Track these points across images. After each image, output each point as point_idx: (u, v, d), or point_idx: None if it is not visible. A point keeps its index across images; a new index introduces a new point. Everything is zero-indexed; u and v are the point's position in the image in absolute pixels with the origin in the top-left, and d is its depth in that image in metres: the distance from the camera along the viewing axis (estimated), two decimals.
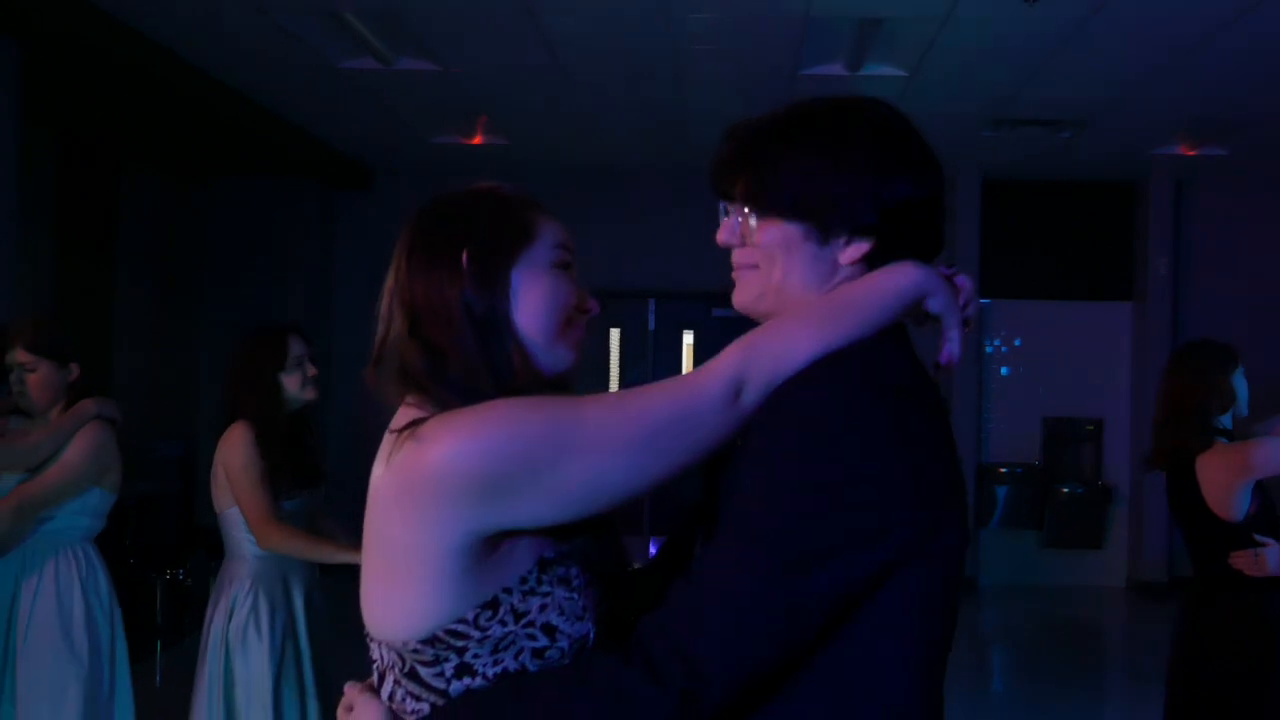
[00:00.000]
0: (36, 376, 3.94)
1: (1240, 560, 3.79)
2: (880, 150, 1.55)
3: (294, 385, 3.93)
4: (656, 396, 1.43)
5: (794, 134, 1.57)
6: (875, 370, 1.45)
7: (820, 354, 1.45)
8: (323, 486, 4.10)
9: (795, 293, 1.56)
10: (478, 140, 9.64)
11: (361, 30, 6.99)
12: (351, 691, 1.53)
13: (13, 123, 6.68)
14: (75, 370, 4.00)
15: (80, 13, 6.47)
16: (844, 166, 1.53)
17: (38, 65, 6.94)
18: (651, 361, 11.19)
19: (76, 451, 3.92)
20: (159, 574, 8.05)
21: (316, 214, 10.84)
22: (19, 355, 3.93)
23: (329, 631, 4.09)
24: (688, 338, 11.19)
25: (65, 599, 3.93)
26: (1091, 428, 11.04)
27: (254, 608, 3.87)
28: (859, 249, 1.54)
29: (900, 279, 1.52)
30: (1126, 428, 10.94)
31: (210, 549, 8.26)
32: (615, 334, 11.23)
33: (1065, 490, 10.88)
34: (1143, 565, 10.73)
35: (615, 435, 1.39)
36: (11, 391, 3.99)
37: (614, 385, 10.92)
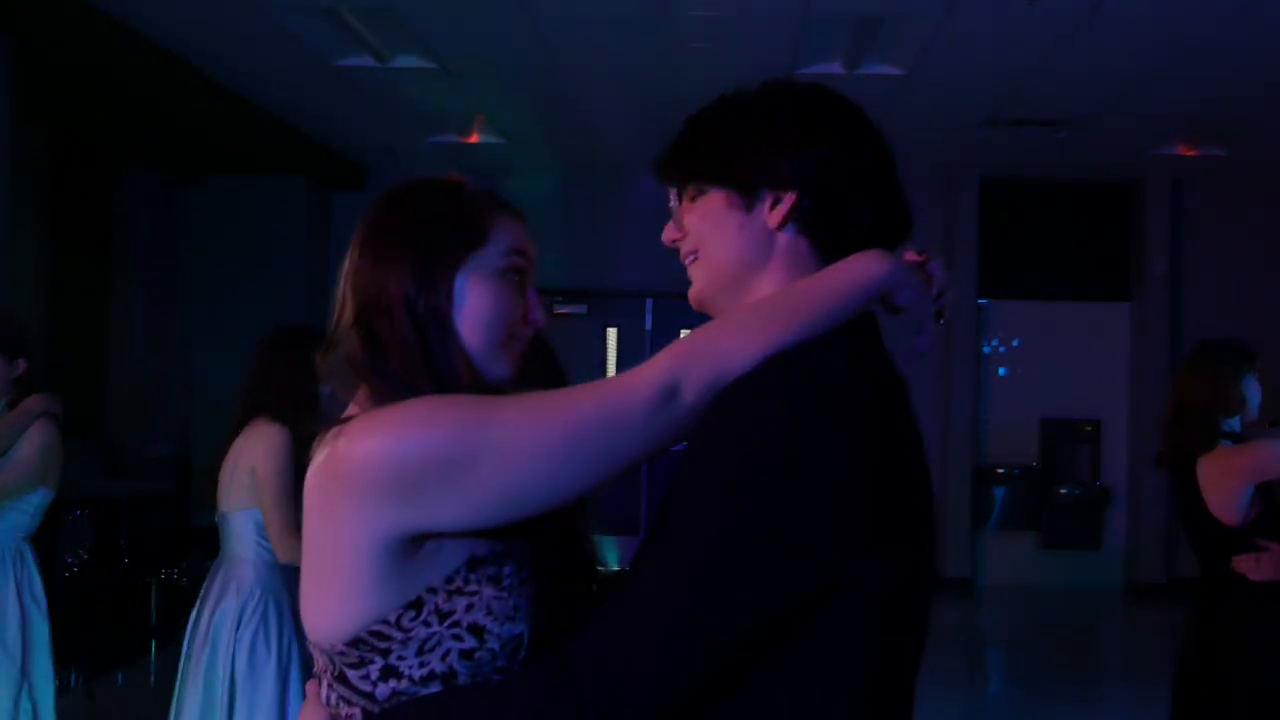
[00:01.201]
0: None
1: (1242, 564, 3.77)
2: (799, 114, 1.51)
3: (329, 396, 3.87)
4: (581, 400, 1.37)
5: (719, 109, 1.56)
6: (826, 373, 1.37)
7: (767, 353, 1.37)
8: None
9: (733, 269, 1.50)
10: (474, 139, 9.62)
11: (358, 28, 6.97)
12: (309, 691, 1.51)
13: (6, 122, 6.65)
14: (22, 365, 3.97)
15: (75, 11, 6.45)
16: (760, 127, 1.50)
17: (32, 64, 6.91)
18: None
19: (31, 449, 3.92)
20: (153, 574, 8.02)
21: (312, 213, 10.81)
22: None
23: None
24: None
25: (2, 598, 3.90)
26: (1089, 429, 11.03)
27: (264, 618, 3.79)
28: (783, 208, 1.47)
29: (862, 273, 1.44)
30: (1124, 429, 10.93)
31: (205, 549, 8.26)
32: (612, 334, 11.22)
33: (1063, 491, 10.88)
34: (1140, 566, 10.72)
35: (535, 440, 1.33)
36: None
37: None
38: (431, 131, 9.44)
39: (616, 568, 1.63)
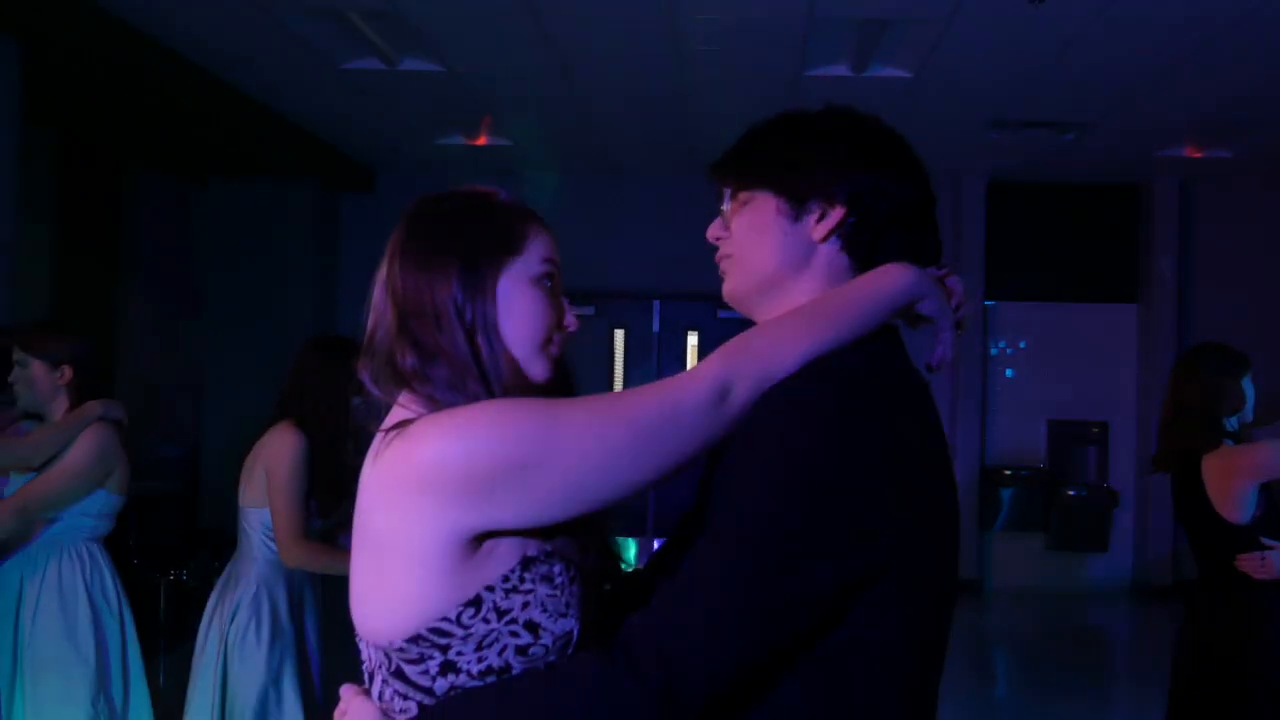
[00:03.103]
0: (27, 375, 3.99)
1: (1246, 563, 3.78)
2: (856, 140, 1.60)
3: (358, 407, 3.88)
4: (641, 400, 1.43)
5: (780, 122, 1.65)
6: (864, 374, 1.47)
7: (809, 357, 1.46)
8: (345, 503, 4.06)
9: (771, 273, 1.59)
10: (482, 141, 9.64)
11: (366, 31, 6.98)
12: (346, 693, 1.55)
13: (14, 123, 6.67)
14: (68, 372, 4.02)
15: (82, 11, 6.46)
16: (820, 144, 1.60)
17: (38, 64, 6.93)
18: (656, 363, 11.17)
19: (80, 453, 3.92)
20: (162, 575, 8.05)
21: (320, 215, 10.83)
22: (15, 353, 4.00)
23: (320, 634, 4.07)
24: (692, 339, 11.18)
25: (69, 601, 3.91)
26: (1096, 430, 11.02)
27: (256, 612, 3.84)
28: (830, 222, 1.57)
29: (891, 281, 1.54)
30: (1132, 430, 10.92)
31: (213, 550, 8.29)
32: (619, 335, 11.22)
33: (1070, 493, 10.86)
34: (1148, 568, 10.71)
35: (599, 440, 1.40)
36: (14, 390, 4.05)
37: (618, 386, 10.89)
38: (439, 133, 9.46)
39: (630, 567, 1.73)
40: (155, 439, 10.08)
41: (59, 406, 4.02)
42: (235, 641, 3.82)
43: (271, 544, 3.85)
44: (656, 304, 11.21)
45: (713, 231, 1.67)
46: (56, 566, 3.93)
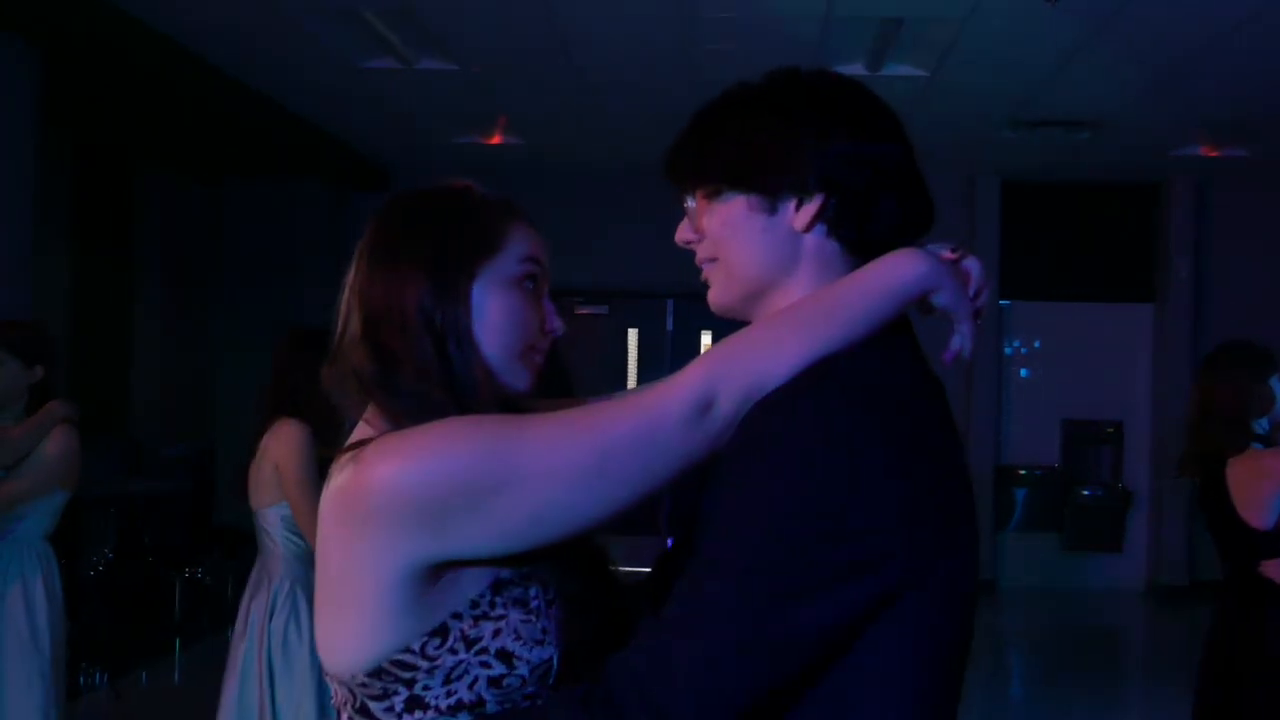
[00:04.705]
0: (2, 372, 4.04)
1: (1271, 570, 3.70)
2: (816, 107, 1.41)
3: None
4: (612, 418, 1.29)
5: (729, 106, 1.46)
6: (868, 382, 1.31)
7: (805, 363, 1.29)
8: None
9: (757, 275, 1.42)
10: (496, 140, 9.64)
11: (382, 30, 7.00)
12: None
13: (32, 125, 6.69)
14: (40, 372, 4.09)
15: (99, 14, 6.48)
16: (778, 125, 1.41)
17: (54, 65, 6.95)
18: (669, 362, 11.16)
19: (58, 451, 4.05)
20: (177, 572, 8.08)
21: (334, 215, 10.84)
22: None
23: None
24: (706, 338, 11.17)
25: (31, 596, 4.00)
26: (1111, 430, 10.99)
27: (294, 608, 3.91)
28: (809, 210, 1.39)
29: (898, 273, 1.35)
30: (1147, 430, 10.89)
31: (228, 548, 8.32)
32: (633, 335, 11.22)
33: (1085, 493, 10.84)
34: (1162, 568, 10.67)
35: (564, 462, 1.26)
36: None
37: (631, 386, 10.89)
38: (454, 133, 9.47)
39: (630, 568, 1.57)
40: (169, 437, 10.12)
41: (20, 405, 4.08)
42: (277, 643, 3.88)
43: (295, 538, 3.93)
44: (670, 303, 11.20)
45: (681, 235, 1.50)
46: (20, 563, 4.02)
